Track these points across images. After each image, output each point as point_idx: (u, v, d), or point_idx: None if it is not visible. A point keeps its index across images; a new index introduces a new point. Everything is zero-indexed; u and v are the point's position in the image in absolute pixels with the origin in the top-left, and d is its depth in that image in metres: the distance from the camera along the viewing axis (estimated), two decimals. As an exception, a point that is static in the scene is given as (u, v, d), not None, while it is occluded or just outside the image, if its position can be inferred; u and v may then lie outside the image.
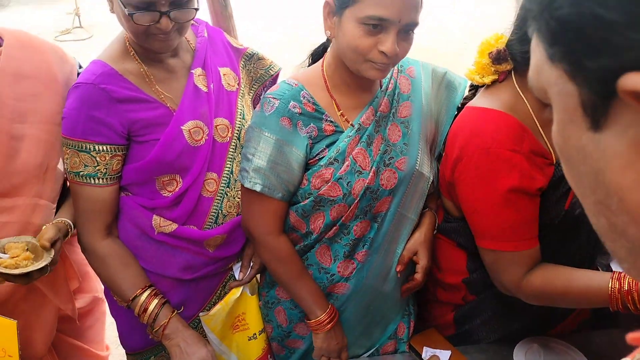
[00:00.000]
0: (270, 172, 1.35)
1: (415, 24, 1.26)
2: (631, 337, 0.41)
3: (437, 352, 1.54)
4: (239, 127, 1.56)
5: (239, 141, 1.56)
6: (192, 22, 1.46)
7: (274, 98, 1.36)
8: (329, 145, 1.39)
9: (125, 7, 1.29)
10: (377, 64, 1.27)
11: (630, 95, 0.36)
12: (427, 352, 1.55)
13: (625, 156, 0.39)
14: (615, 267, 1.51)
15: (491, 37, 1.37)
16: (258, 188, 1.36)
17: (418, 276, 1.52)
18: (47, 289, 1.51)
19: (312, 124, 1.37)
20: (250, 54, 1.69)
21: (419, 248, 1.51)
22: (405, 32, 1.26)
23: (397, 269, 1.50)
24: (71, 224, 1.46)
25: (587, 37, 0.39)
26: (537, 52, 0.46)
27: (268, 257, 1.47)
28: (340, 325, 1.49)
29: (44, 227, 1.40)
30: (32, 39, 1.51)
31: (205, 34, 1.59)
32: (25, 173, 1.40)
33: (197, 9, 1.38)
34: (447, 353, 1.53)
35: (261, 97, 1.43)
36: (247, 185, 1.37)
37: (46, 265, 1.32)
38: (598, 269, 1.53)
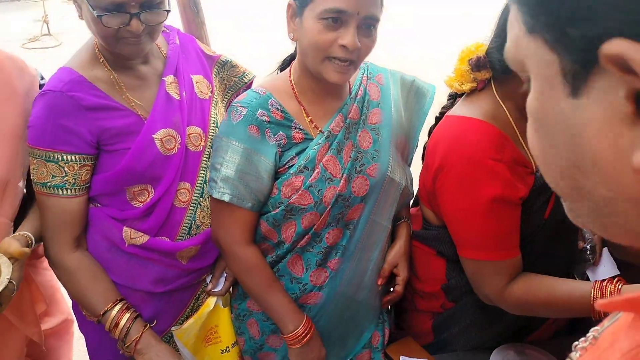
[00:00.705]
0: (239, 181, 1.33)
1: (375, 18, 1.26)
2: (600, 303, 0.42)
3: (414, 360, 1.54)
4: (212, 136, 1.53)
5: (213, 150, 1.54)
6: (163, 27, 1.43)
7: (241, 106, 1.34)
8: (298, 153, 1.37)
9: (94, 10, 1.25)
10: (338, 64, 1.26)
11: (611, 62, 0.37)
12: (403, 361, 1.55)
13: (601, 121, 0.40)
14: (591, 275, 1.52)
15: (472, 44, 1.38)
16: (227, 198, 1.34)
17: (399, 288, 1.52)
18: (9, 313, 1.43)
19: (280, 132, 1.35)
20: (223, 62, 1.67)
21: (399, 261, 1.52)
22: (367, 27, 1.26)
23: (379, 282, 1.50)
24: (32, 237, 1.39)
25: (571, 5, 0.40)
26: (516, 26, 0.47)
27: (237, 268, 1.44)
28: (318, 336, 1.47)
29: (3, 240, 1.33)
30: None
31: (177, 41, 1.56)
32: None
33: (168, 11, 1.36)
34: (424, 362, 1.53)
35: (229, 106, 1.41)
36: (216, 195, 1.35)
37: (10, 281, 1.25)
38: (575, 278, 1.55)
